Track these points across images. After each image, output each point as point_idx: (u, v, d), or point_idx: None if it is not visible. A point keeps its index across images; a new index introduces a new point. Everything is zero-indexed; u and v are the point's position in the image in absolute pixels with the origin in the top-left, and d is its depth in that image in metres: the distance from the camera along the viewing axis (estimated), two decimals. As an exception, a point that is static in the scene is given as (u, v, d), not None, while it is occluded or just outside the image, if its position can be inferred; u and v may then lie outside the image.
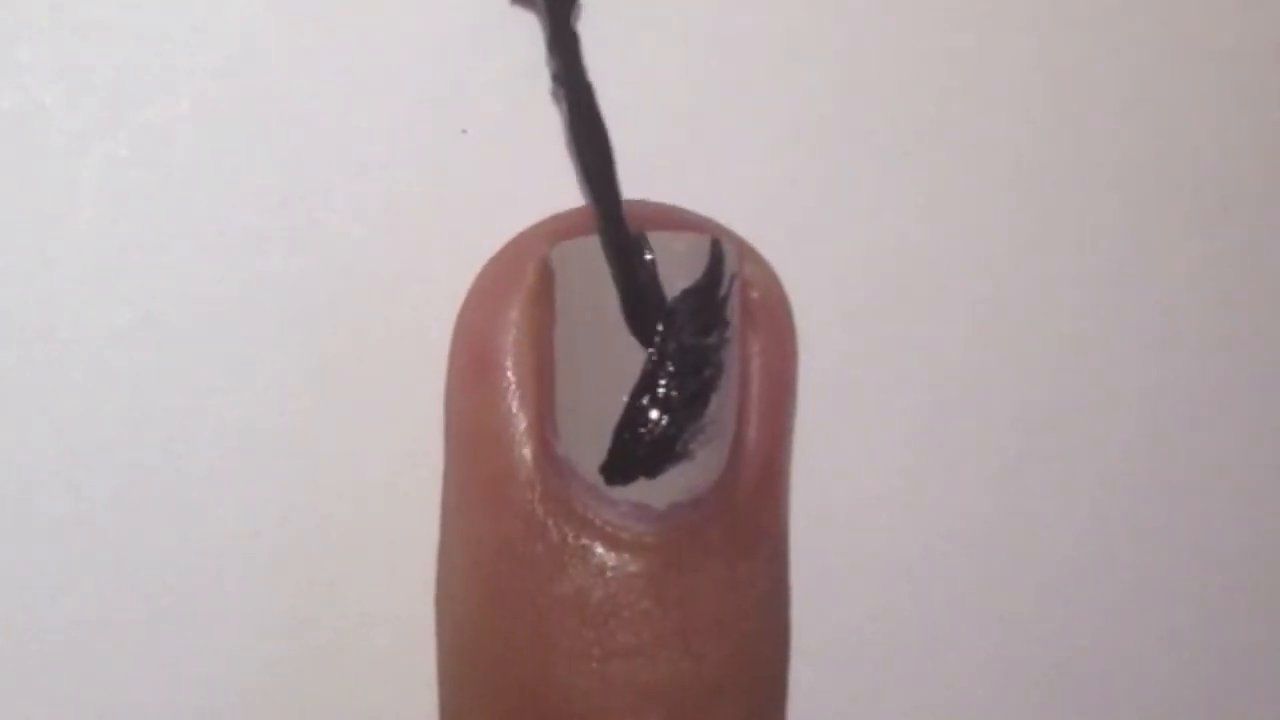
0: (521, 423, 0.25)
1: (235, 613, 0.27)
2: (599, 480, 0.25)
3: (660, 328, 0.25)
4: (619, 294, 0.25)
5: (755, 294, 0.26)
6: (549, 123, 0.27)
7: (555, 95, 0.26)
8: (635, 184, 0.27)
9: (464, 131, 0.27)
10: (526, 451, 0.25)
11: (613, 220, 0.25)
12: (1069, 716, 0.31)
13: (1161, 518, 0.31)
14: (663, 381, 0.25)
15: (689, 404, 0.25)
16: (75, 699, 0.27)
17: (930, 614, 0.30)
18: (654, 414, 0.25)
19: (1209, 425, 0.31)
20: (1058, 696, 0.30)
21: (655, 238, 0.25)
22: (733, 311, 0.25)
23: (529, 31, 0.27)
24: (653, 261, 0.25)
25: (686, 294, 0.25)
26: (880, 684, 0.30)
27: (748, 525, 0.26)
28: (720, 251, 0.25)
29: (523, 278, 0.26)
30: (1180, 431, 0.30)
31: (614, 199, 0.25)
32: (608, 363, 0.25)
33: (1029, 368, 0.30)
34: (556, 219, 0.26)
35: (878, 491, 0.29)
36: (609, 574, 0.25)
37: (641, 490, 0.25)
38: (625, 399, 0.25)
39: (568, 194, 0.27)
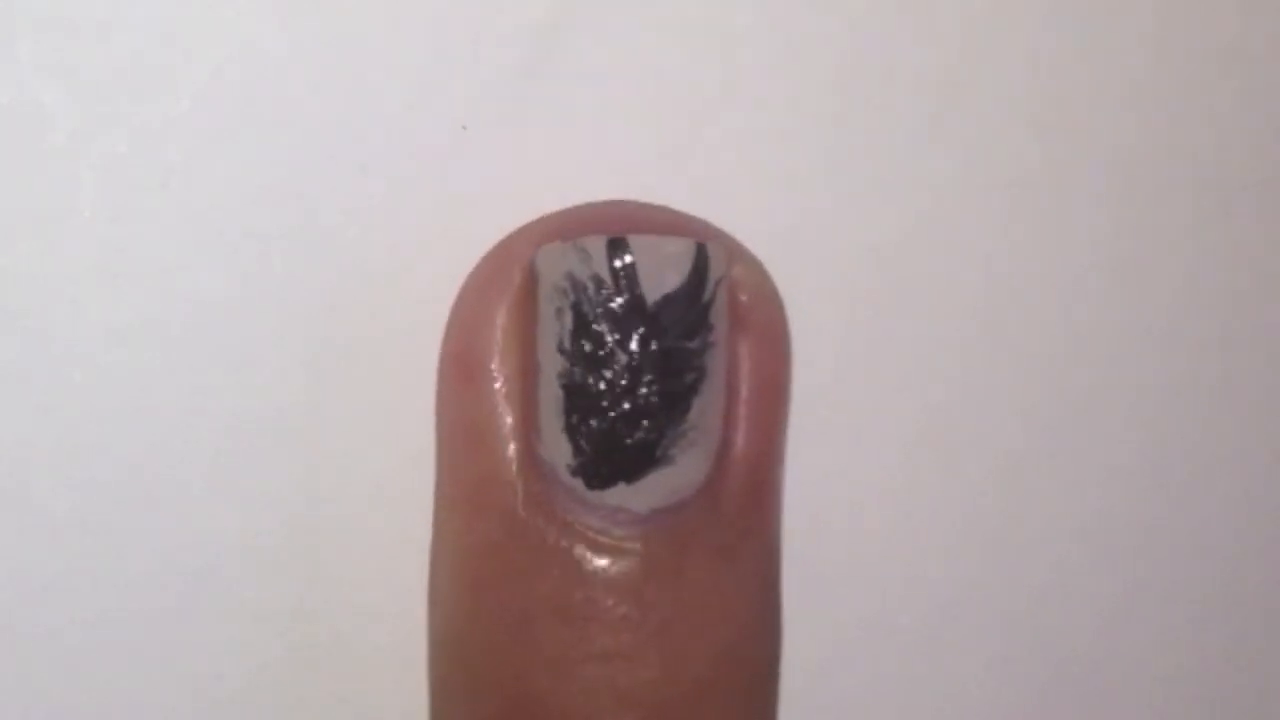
0: (505, 424, 0.25)
1: (232, 611, 0.27)
2: (578, 484, 0.25)
3: (641, 331, 0.25)
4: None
5: (744, 297, 0.26)
6: (549, 122, 0.27)
7: None
8: (628, 183, 0.27)
9: (464, 128, 0.27)
10: (510, 453, 0.25)
11: None
12: (1068, 716, 0.30)
13: (1160, 517, 0.30)
14: (642, 386, 0.25)
15: (669, 409, 0.25)
16: (75, 698, 0.27)
17: (924, 619, 0.30)
18: (633, 419, 0.25)
19: (1209, 425, 0.30)
20: (1056, 697, 0.30)
21: (637, 241, 0.25)
22: (718, 315, 0.25)
23: (529, 31, 0.27)
24: (633, 265, 0.25)
25: (668, 299, 0.25)
26: (873, 689, 0.30)
27: (734, 530, 0.26)
28: (704, 256, 0.25)
29: (509, 280, 0.26)
30: (1179, 431, 0.30)
31: None
32: (588, 366, 0.25)
33: (1025, 369, 0.29)
34: (541, 222, 0.26)
35: (873, 494, 0.29)
36: (589, 577, 0.25)
37: (622, 494, 0.25)
38: (605, 403, 0.25)
39: (567, 193, 0.27)
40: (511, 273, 0.26)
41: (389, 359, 0.27)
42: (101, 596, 0.27)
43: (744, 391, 0.26)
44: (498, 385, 0.25)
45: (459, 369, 0.26)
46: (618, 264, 0.25)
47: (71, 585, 0.27)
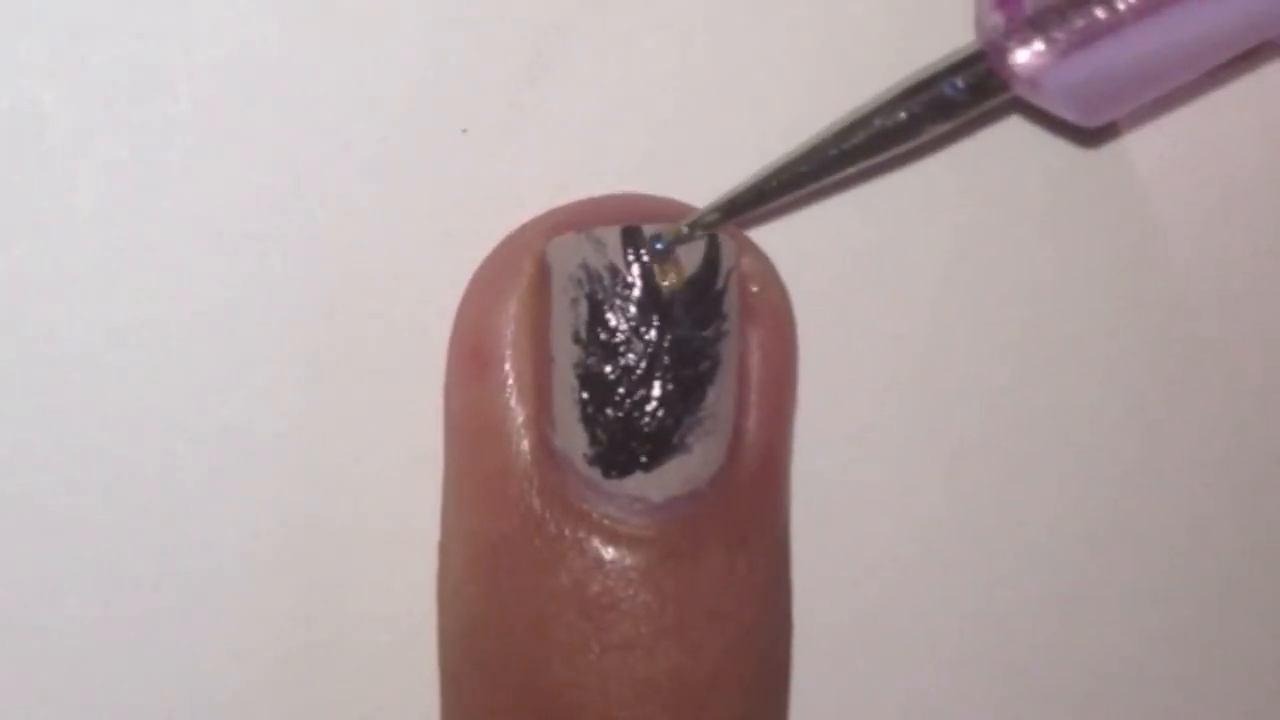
0: (519, 416, 0.25)
1: (235, 612, 0.27)
2: (595, 473, 0.25)
3: (656, 320, 0.25)
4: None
5: (754, 288, 0.26)
6: (549, 123, 0.27)
7: None
8: (636, 177, 0.27)
9: (464, 131, 0.27)
10: (525, 445, 0.25)
11: None
12: (1068, 712, 0.30)
13: (1158, 515, 0.30)
14: (658, 374, 0.25)
15: (685, 397, 0.25)
16: (75, 698, 0.27)
17: (930, 609, 0.30)
18: (650, 407, 0.25)
19: (1205, 426, 0.31)
20: (1057, 692, 0.30)
21: (651, 231, 0.25)
22: (730, 305, 0.25)
23: (529, 31, 0.27)
24: (649, 255, 0.25)
25: (683, 287, 0.25)
26: (880, 679, 0.30)
27: (747, 518, 0.26)
28: (716, 246, 0.25)
29: (520, 272, 0.26)
30: (1177, 431, 0.30)
31: None
32: (604, 355, 0.25)
33: (1029, 363, 0.30)
34: (552, 214, 0.26)
35: (877, 485, 0.29)
36: (606, 567, 0.25)
37: (639, 483, 0.25)
38: (621, 391, 0.25)
39: (566, 193, 0.27)
40: (522, 263, 0.26)
41: (388, 360, 0.27)
42: (101, 596, 0.27)
43: (754, 380, 0.26)
44: (510, 376, 0.25)
45: (471, 362, 0.26)
46: (632, 254, 0.25)
47: (71, 585, 0.27)
